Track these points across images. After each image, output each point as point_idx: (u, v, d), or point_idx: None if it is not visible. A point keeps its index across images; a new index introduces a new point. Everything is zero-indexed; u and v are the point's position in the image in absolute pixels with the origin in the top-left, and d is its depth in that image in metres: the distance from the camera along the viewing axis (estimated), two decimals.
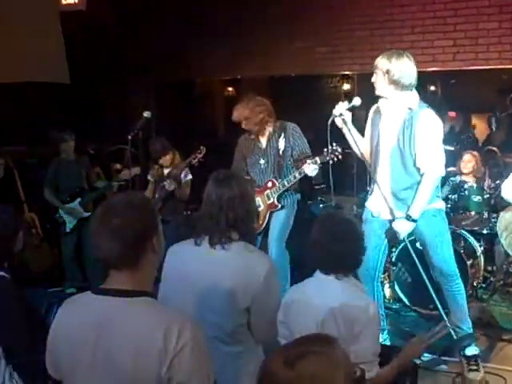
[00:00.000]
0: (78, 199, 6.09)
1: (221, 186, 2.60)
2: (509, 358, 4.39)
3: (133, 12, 8.28)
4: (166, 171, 5.83)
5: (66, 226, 6.09)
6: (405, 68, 3.88)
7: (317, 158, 4.67)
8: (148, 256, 1.90)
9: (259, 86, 9.41)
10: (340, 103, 4.06)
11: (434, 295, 4.46)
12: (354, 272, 2.83)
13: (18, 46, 6.89)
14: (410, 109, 3.97)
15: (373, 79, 4.00)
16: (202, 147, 5.56)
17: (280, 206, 5.04)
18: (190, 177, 5.77)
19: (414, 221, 3.99)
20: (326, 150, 4.50)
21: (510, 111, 7.46)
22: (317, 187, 7.21)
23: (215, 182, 2.63)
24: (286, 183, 4.95)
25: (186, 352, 1.77)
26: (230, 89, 10.58)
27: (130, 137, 4.78)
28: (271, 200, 5.02)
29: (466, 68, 6.73)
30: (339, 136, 4.24)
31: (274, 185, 5.01)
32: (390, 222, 4.11)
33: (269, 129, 5.04)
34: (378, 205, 4.18)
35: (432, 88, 10.29)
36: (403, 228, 4.02)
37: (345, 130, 4.14)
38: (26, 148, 7.47)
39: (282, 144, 5.02)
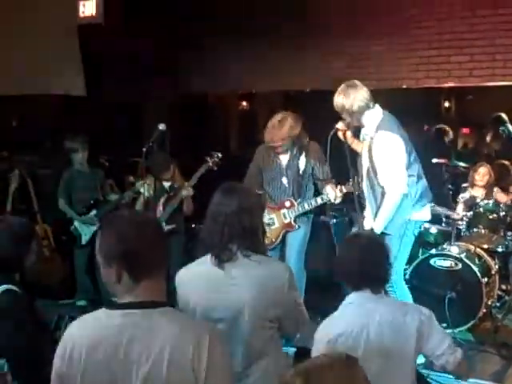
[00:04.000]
0: (94, 211, 6.09)
1: (221, 200, 2.54)
2: None
3: (148, 26, 8.32)
4: (165, 184, 5.74)
5: (82, 238, 6.08)
6: (353, 98, 4.25)
7: (343, 187, 4.71)
8: (165, 265, 1.93)
9: (274, 101, 9.44)
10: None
11: None
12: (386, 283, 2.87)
13: (34, 59, 6.94)
14: (369, 136, 4.35)
15: (344, 118, 4.41)
16: (216, 153, 5.49)
17: (297, 226, 4.98)
18: (191, 192, 5.70)
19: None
20: (351, 180, 4.62)
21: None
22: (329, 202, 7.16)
23: (218, 193, 2.58)
24: (306, 206, 4.90)
25: (214, 361, 1.78)
26: (245, 103, 10.60)
27: (144, 149, 4.76)
28: (288, 220, 4.95)
29: (482, 84, 6.69)
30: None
31: (292, 205, 4.93)
32: None
33: (294, 147, 4.97)
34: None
35: (446, 104, 10.28)
36: None
37: (346, 141, 4.53)
38: (39, 158, 7.50)
39: (302, 163, 4.95)
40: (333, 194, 4.72)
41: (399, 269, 4.47)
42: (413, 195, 4.34)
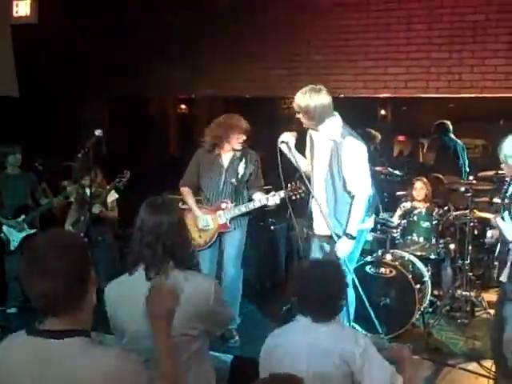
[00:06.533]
0: (23, 216, 5.93)
1: (158, 213, 2.51)
2: (455, 383, 4.43)
3: (86, 27, 8.16)
4: (87, 190, 5.57)
5: (10, 244, 5.90)
6: (318, 104, 4.25)
7: (281, 192, 4.76)
8: (90, 291, 1.83)
9: (213, 106, 9.44)
10: (285, 132, 4.45)
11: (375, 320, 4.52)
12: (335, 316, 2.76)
13: None
14: (333, 140, 4.32)
15: (297, 115, 4.38)
16: (125, 171, 5.47)
17: (232, 227, 5.01)
18: (115, 196, 5.66)
19: (353, 238, 4.31)
20: (290, 185, 4.74)
21: (434, 136, 7.93)
22: (267, 209, 7.21)
23: (151, 208, 2.53)
24: (243, 208, 4.95)
25: None
26: (184, 107, 10.56)
27: (79, 155, 4.68)
28: (224, 221, 4.98)
29: (416, 95, 6.87)
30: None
31: (227, 207, 4.98)
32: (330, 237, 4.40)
33: (235, 150, 5.02)
34: (316, 223, 4.55)
35: (382, 112, 10.52)
36: (345, 247, 4.30)
37: (289, 156, 4.49)
38: None
39: (241, 169, 5.02)
40: (272, 199, 4.78)
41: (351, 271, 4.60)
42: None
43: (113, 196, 5.66)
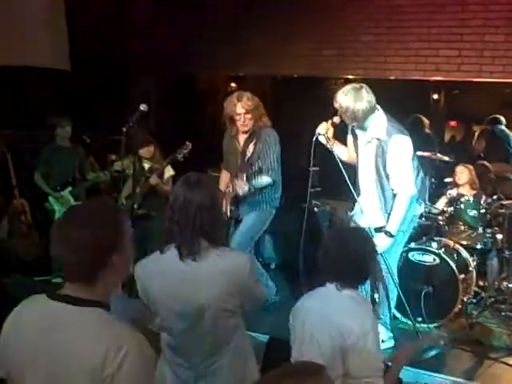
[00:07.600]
0: (69, 188, 6.03)
1: (190, 190, 2.45)
2: (496, 377, 4.32)
3: (139, 3, 8.20)
4: (145, 165, 5.60)
5: (55, 214, 6.01)
6: (362, 107, 4.15)
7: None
8: (106, 272, 1.81)
9: (262, 85, 9.37)
10: (323, 123, 4.37)
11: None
12: (360, 284, 2.80)
13: (18, 30, 6.81)
14: (378, 139, 4.25)
15: (339, 113, 4.28)
16: (187, 142, 5.42)
17: (249, 209, 4.97)
18: (171, 172, 5.63)
19: (391, 236, 4.28)
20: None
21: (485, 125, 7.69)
22: (311, 190, 7.15)
23: (184, 185, 2.48)
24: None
25: (123, 373, 1.68)
26: (233, 85, 10.51)
27: (124, 129, 4.71)
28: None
29: (469, 79, 6.68)
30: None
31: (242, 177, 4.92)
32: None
33: (244, 132, 4.95)
34: (365, 216, 4.44)
35: (435, 96, 10.25)
36: (382, 243, 4.24)
37: (329, 146, 4.44)
38: (24, 132, 7.40)
39: (251, 149, 4.93)
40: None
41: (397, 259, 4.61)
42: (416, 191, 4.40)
43: (169, 172, 5.64)
